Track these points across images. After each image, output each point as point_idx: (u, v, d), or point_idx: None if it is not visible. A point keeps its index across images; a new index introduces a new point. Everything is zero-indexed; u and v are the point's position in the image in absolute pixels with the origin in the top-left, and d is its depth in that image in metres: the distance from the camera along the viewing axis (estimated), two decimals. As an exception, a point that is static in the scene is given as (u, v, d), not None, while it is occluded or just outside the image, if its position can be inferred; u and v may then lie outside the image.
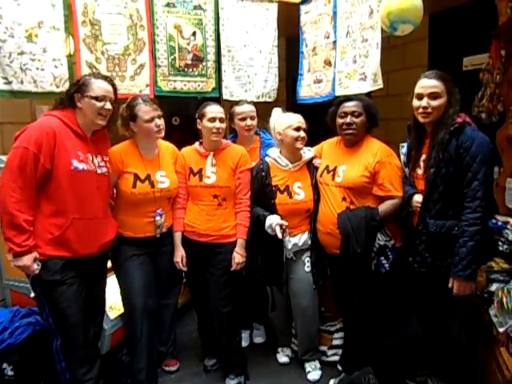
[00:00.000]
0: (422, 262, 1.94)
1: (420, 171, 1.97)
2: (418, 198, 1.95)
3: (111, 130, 2.11)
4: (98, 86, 1.86)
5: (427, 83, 1.85)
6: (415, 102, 1.89)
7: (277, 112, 2.33)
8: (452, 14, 3.32)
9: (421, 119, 1.90)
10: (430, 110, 1.85)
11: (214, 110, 2.21)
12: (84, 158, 1.87)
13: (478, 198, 1.74)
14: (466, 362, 2.13)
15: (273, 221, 2.15)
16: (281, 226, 2.11)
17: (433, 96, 1.84)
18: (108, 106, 1.89)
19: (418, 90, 1.88)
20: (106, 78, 1.94)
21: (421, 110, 1.87)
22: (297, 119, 2.24)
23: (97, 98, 1.85)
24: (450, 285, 1.81)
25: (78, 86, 1.88)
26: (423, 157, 1.95)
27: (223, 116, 2.22)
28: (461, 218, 1.78)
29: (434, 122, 1.88)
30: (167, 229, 2.25)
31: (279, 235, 2.10)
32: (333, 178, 2.17)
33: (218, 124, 2.18)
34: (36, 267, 1.78)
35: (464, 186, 1.77)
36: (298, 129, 2.22)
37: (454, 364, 2.05)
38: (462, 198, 1.79)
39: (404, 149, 2.20)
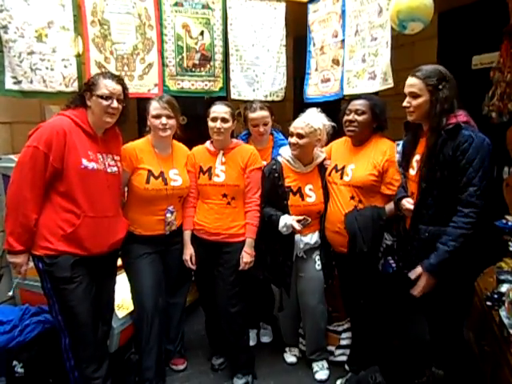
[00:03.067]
0: (412, 268, 1.83)
1: (413, 172, 1.88)
2: (408, 205, 1.85)
3: (124, 129, 2.13)
4: (105, 85, 1.88)
5: (408, 81, 1.79)
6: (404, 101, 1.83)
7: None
8: (461, 13, 3.30)
9: (407, 117, 1.84)
10: (411, 109, 1.79)
11: (216, 109, 2.21)
12: (94, 157, 1.89)
13: (472, 204, 1.64)
14: (476, 366, 2.10)
15: (287, 220, 2.16)
16: (298, 220, 2.14)
17: (412, 95, 1.77)
18: (115, 104, 1.90)
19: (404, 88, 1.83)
20: (114, 77, 1.95)
21: (406, 109, 1.82)
22: (294, 124, 2.20)
23: (103, 97, 1.87)
24: (411, 273, 1.76)
25: (88, 85, 1.92)
26: (417, 157, 1.87)
27: (226, 116, 2.20)
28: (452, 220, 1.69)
29: (427, 121, 1.79)
30: (177, 227, 2.26)
31: (299, 227, 2.13)
32: (341, 177, 2.17)
33: (218, 124, 2.18)
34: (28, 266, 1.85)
35: (459, 191, 1.68)
36: (291, 134, 2.21)
37: (469, 372, 1.93)
38: (456, 203, 1.69)
39: (399, 147, 2.16)
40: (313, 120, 2.18)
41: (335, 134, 2.33)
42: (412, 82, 1.77)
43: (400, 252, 2.00)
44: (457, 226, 1.67)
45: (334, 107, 2.33)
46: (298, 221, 2.15)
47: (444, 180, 1.71)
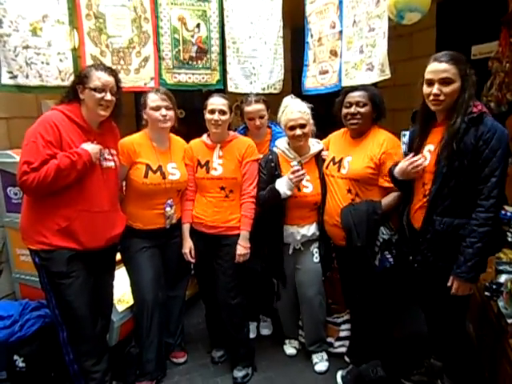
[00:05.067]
0: (423, 261, 1.82)
1: (426, 162, 1.80)
2: (409, 161, 1.77)
3: (121, 123, 2.12)
4: (98, 77, 1.86)
5: (438, 67, 1.67)
6: (425, 89, 1.73)
7: (284, 104, 2.28)
8: (460, 2, 3.27)
9: (432, 107, 1.74)
10: (442, 97, 1.68)
11: (214, 101, 2.20)
12: None
13: (493, 196, 1.59)
14: (475, 356, 2.11)
15: (283, 179, 2.16)
16: (293, 172, 2.13)
17: (445, 81, 1.66)
18: (108, 96, 1.87)
19: (428, 75, 1.71)
20: (106, 69, 1.92)
21: (432, 98, 1.71)
22: (291, 116, 2.18)
23: (96, 90, 1.85)
24: (449, 283, 1.71)
25: (80, 78, 1.89)
26: (429, 147, 1.80)
27: (224, 108, 2.19)
28: (471, 217, 1.64)
29: (448, 110, 1.72)
30: (176, 220, 2.26)
31: (301, 170, 2.13)
32: (338, 170, 2.15)
33: (216, 116, 2.17)
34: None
35: (479, 182, 1.62)
36: (292, 128, 2.18)
37: (468, 364, 1.92)
38: (474, 194, 1.64)
39: (406, 137, 2.13)
40: (303, 106, 2.21)
41: (332, 125, 2.32)
42: (445, 68, 1.65)
43: (403, 246, 1.98)
44: (478, 223, 1.62)
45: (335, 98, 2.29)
46: (293, 172, 2.13)
47: (462, 170, 1.65)
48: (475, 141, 1.62)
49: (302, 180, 2.16)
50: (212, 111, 2.19)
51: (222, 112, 2.19)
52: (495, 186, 1.60)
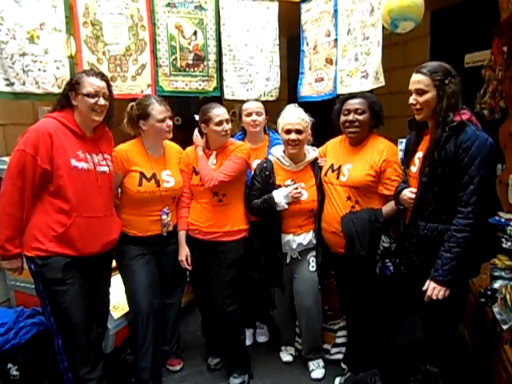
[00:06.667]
0: (409, 264, 1.86)
1: (414, 169, 1.87)
2: (409, 194, 1.84)
3: (119, 129, 2.14)
4: (90, 83, 1.86)
5: (413, 78, 1.77)
6: (410, 99, 1.81)
7: (285, 110, 2.28)
8: (453, 11, 3.32)
9: (415, 116, 1.83)
10: (418, 106, 1.76)
11: (219, 112, 2.20)
12: (83, 157, 1.88)
13: (472, 203, 1.64)
14: (471, 362, 2.11)
15: (281, 192, 2.18)
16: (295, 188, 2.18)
17: (418, 92, 1.75)
18: (101, 101, 1.88)
19: (409, 85, 1.81)
20: (97, 74, 1.92)
21: (412, 107, 1.80)
22: (289, 120, 2.19)
23: (89, 95, 1.85)
24: (424, 287, 1.72)
25: (72, 85, 1.89)
26: (419, 154, 1.85)
27: (228, 117, 2.23)
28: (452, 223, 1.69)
29: (433, 118, 1.77)
30: (173, 227, 2.26)
31: (296, 190, 2.18)
32: (337, 177, 2.14)
33: (226, 126, 2.20)
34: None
35: (460, 189, 1.67)
36: (288, 131, 2.19)
37: (464, 370, 1.92)
38: (456, 201, 1.68)
39: (402, 145, 2.16)
40: (304, 114, 2.22)
41: (329, 133, 2.33)
42: (418, 79, 1.74)
43: (399, 253, 1.99)
44: (457, 229, 1.66)
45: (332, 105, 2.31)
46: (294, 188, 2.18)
47: (445, 177, 1.70)
48: (455, 149, 1.66)
49: (300, 197, 2.20)
50: (220, 122, 2.18)
51: (228, 121, 2.22)
52: (473, 194, 1.64)
